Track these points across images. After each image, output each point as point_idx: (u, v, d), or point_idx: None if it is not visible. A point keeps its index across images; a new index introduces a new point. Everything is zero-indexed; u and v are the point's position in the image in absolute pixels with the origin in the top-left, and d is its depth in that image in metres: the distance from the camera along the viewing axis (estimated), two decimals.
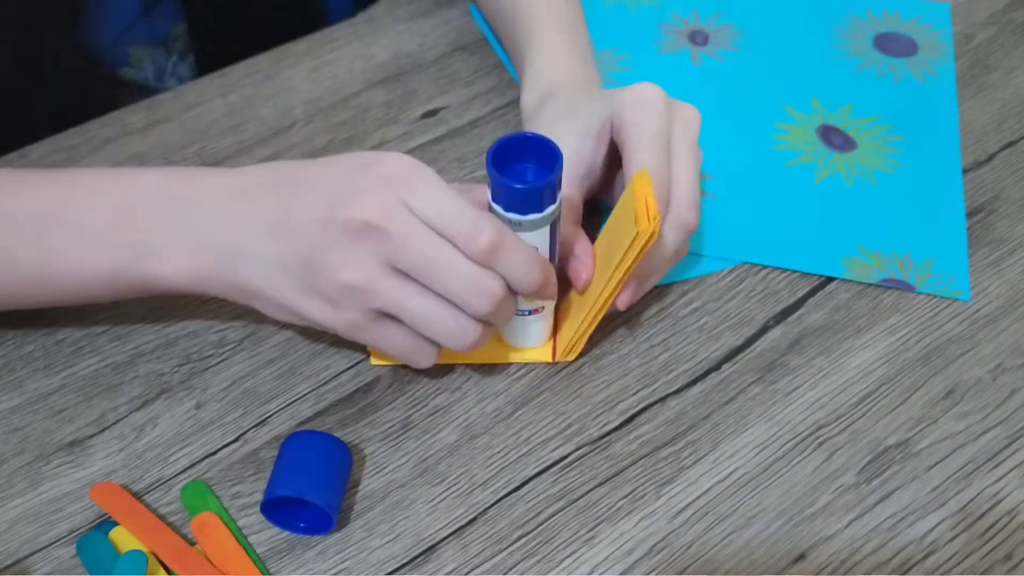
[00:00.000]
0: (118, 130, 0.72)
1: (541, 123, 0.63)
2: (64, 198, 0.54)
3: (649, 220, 0.52)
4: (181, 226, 0.53)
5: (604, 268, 0.56)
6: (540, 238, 0.53)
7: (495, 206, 0.52)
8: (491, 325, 0.53)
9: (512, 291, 0.52)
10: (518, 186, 0.51)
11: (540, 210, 0.52)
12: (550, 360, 0.60)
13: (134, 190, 0.54)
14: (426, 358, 0.54)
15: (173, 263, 0.53)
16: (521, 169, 0.53)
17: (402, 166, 0.51)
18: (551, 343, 0.60)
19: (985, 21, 0.81)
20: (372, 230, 0.49)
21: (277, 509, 0.53)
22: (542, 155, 0.52)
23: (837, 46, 0.78)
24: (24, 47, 0.71)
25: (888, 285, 0.63)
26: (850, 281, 0.64)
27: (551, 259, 0.55)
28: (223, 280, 0.53)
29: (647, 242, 0.52)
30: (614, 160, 0.61)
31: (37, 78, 0.73)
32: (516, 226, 0.52)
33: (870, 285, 0.63)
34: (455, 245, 0.50)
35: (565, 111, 0.62)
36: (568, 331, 0.59)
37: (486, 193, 0.53)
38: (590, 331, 0.58)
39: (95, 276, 0.54)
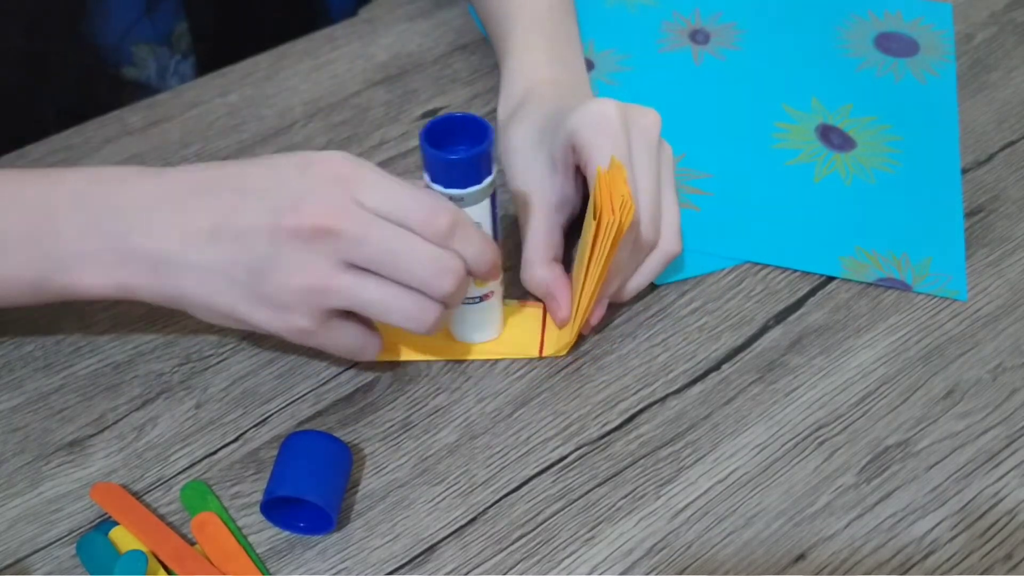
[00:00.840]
0: (118, 130, 0.72)
1: (512, 146, 0.63)
2: None
3: (614, 211, 0.52)
4: (105, 235, 0.51)
5: (582, 267, 0.56)
6: (482, 212, 0.54)
7: (435, 186, 0.53)
8: (448, 307, 0.53)
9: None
10: (454, 157, 0.52)
11: (479, 181, 0.52)
12: (537, 355, 0.60)
13: (54, 196, 0.52)
14: (373, 350, 0.55)
15: (96, 274, 0.52)
16: (453, 148, 0.53)
17: (345, 162, 0.51)
18: (540, 339, 0.60)
19: (985, 21, 0.81)
20: (324, 233, 0.49)
21: (277, 509, 0.53)
22: (472, 131, 0.53)
23: (838, 46, 0.78)
24: (30, 45, 0.71)
25: (885, 284, 0.63)
26: (849, 280, 0.64)
27: (494, 234, 0.56)
28: (155, 291, 0.52)
29: (615, 234, 0.52)
30: (583, 184, 0.61)
31: (43, 77, 0.73)
32: (458, 202, 0.52)
33: (870, 285, 0.63)
34: (412, 231, 0.50)
35: (534, 134, 0.62)
36: (556, 329, 0.60)
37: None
38: (577, 328, 0.58)
39: (17, 286, 0.53)
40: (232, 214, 0.50)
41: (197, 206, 0.51)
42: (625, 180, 0.54)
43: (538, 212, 0.60)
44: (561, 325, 0.59)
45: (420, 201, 0.50)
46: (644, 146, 0.58)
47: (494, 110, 0.73)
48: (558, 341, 0.60)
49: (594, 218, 0.53)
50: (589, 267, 0.55)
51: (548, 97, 0.64)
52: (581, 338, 0.60)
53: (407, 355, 0.60)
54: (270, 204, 0.50)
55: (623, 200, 0.52)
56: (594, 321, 0.59)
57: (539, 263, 0.59)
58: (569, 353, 0.60)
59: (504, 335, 0.61)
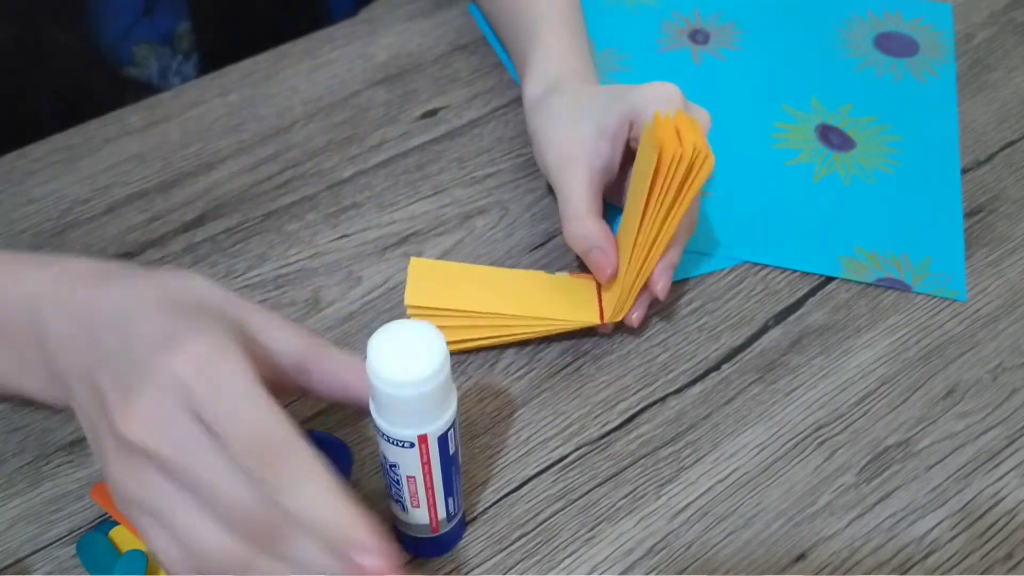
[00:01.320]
0: (118, 130, 0.72)
1: (550, 115, 0.63)
2: None
3: (683, 148, 0.50)
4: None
5: (633, 220, 0.54)
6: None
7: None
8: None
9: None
10: None
11: None
12: (599, 322, 0.58)
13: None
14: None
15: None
16: None
17: (197, 361, 0.41)
18: (599, 307, 0.59)
19: (985, 21, 0.81)
20: (142, 454, 0.41)
21: None
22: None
23: (838, 46, 0.78)
24: (29, 46, 0.71)
25: (884, 284, 0.63)
26: (848, 280, 0.64)
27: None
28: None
29: (686, 172, 0.50)
30: (625, 160, 0.61)
31: (43, 77, 0.73)
32: None
33: (870, 285, 0.63)
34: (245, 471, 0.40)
35: (576, 106, 0.62)
36: (615, 291, 0.58)
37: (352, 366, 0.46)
38: (637, 288, 0.57)
39: None
40: (79, 389, 0.44)
41: (66, 350, 0.45)
42: (700, 131, 0.52)
43: (581, 171, 0.59)
44: (609, 278, 0.57)
45: (263, 428, 0.41)
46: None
47: (495, 110, 0.73)
48: (616, 304, 0.57)
49: (654, 153, 0.51)
50: (646, 213, 0.53)
51: (581, 82, 0.65)
52: (594, 334, 0.60)
53: (463, 344, 0.59)
54: (108, 396, 0.42)
55: (696, 148, 0.50)
56: (660, 292, 0.57)
57: (584, 216, 0.58)
58: (571, 352, 0.60)
59: (563, 305, 0.59)
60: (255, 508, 0.40)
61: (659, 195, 0.52)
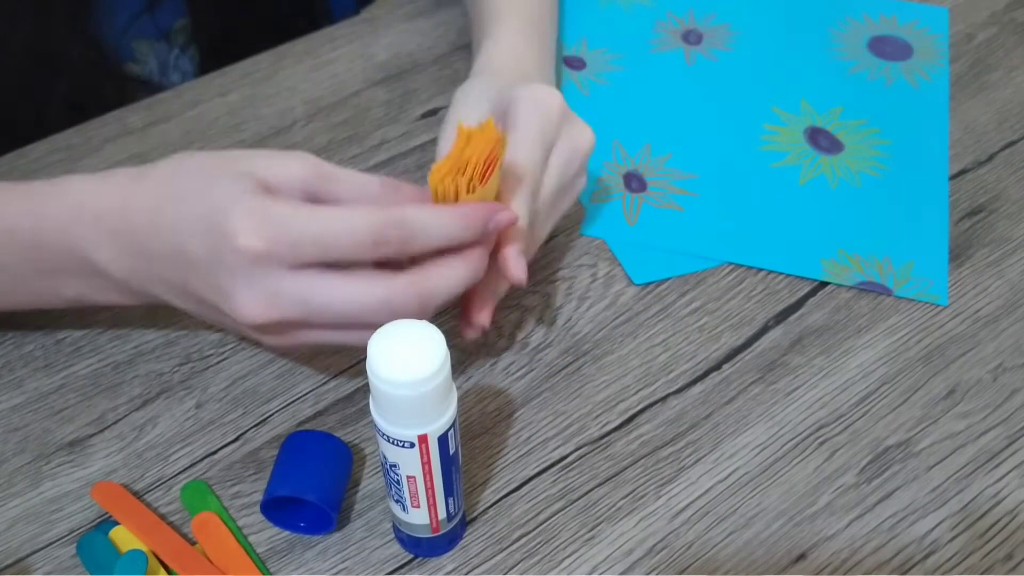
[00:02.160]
0: (118, 130, 0.72)
1: (460, 97, 0.61)
2: None
3: (463, 173, 0.49)
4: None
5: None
6: None
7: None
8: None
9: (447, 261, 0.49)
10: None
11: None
12: None
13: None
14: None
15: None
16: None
17: (256, 236, 0.46)
18: None
19: (985, 21, 0.81)
20: (270, 328, 0.49)
21: (277, 509, 0.53)
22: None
23: (831, 48, 0.78)
24: (36, 42, 0.71)
25: (866, 288, 0.63)
26: (830, 284, 0.64)
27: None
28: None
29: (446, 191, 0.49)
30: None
31: (50, 74, 0.73)
32: None
33: (852, 288, 0.63)
34: (355, 260, 0.47)
35: (481, 92, 0.60)
36: None
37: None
38: None
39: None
40: (176, 294, 0.51)
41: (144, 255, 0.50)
42: (494, 151, 0.49)
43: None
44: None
45: (352, 232, 0.47)
46: (567, 155, 0.57)
47: None
48: None
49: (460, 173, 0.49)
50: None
51: (509, 73, 0.63)
52: (576, 338, 0.60)
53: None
54: (206, 297, 0.49)
55: (474, 173, 0.49)
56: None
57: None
58: (571, 352, 0.60)
59: None
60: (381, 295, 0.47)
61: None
